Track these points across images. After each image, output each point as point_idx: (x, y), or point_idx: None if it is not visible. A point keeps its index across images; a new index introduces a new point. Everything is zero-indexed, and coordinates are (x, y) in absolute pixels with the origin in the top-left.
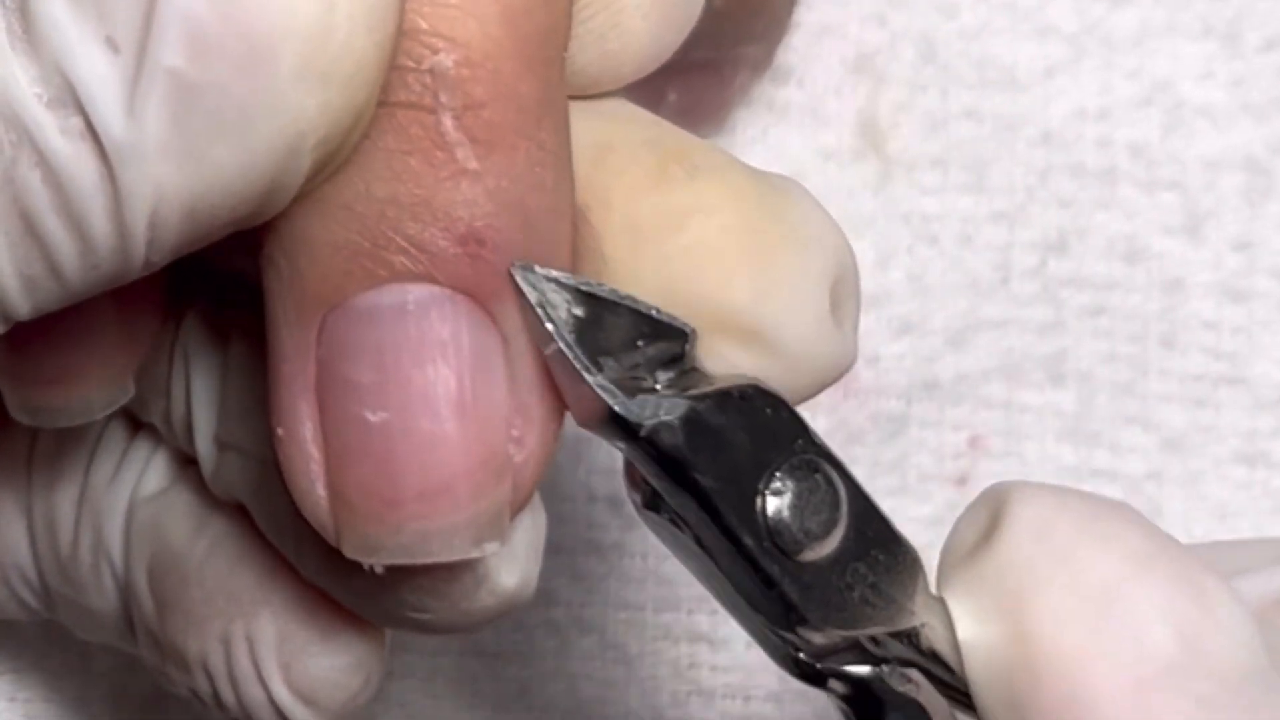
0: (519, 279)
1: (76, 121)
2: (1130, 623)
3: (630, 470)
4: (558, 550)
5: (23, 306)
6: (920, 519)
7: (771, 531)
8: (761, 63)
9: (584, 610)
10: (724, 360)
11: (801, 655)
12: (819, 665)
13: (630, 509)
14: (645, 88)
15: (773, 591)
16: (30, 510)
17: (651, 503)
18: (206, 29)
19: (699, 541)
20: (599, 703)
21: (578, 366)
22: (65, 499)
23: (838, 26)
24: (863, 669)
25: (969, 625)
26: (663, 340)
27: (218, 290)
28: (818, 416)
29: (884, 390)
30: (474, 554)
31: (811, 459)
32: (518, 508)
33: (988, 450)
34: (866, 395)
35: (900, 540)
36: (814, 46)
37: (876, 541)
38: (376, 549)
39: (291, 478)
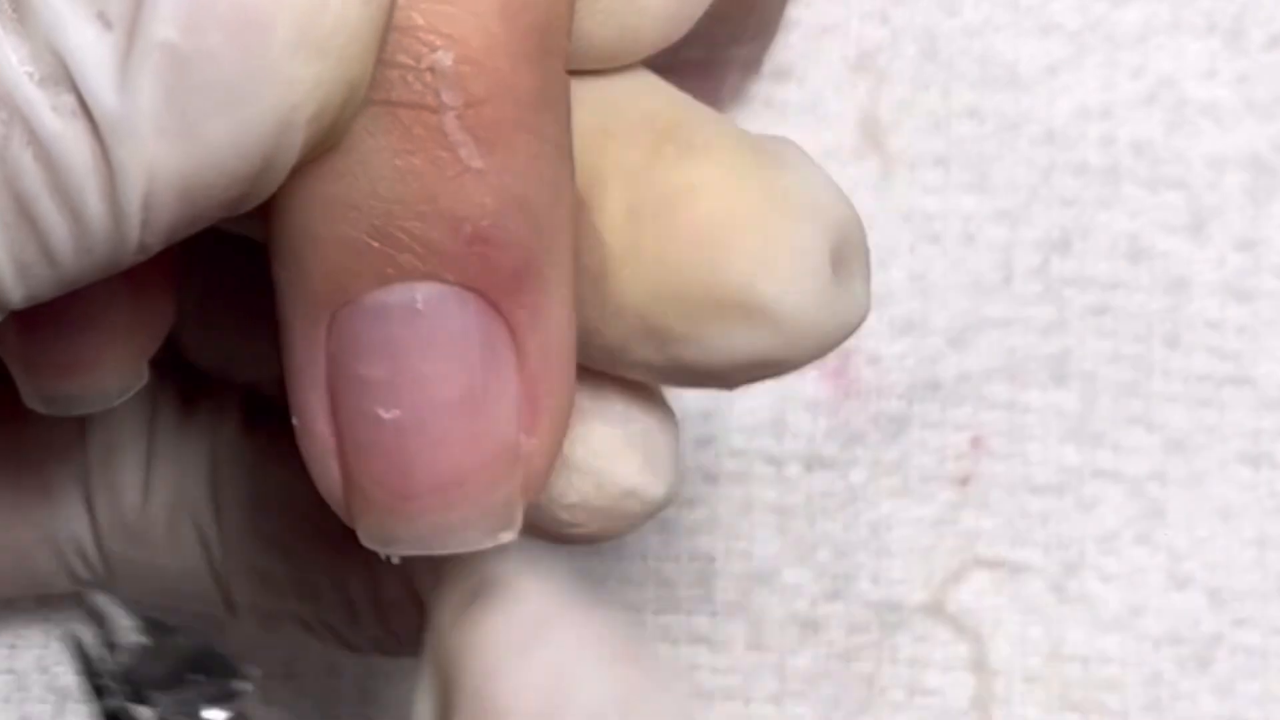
0: (90, 603)
1: (69, 99)
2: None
3: None
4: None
5: (15, 293)
6: (922, 520)
7: None
8: (753, 63)
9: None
10: (730, 340)
11: None
12: None
13: None
14: None
15: None
16: (88, 477)
17: None
18: (200, 1)
19: None
20: None
21: None
22: (129, 460)
23: (838, 24)
24: None
25: None
26: (218, 676)
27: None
28: (818, 417)
29: (885, 390)
30: (487, 544)
31: None
32: (530, 498)
33: (990, 451)
34: (868, 395)
35: None
36: (814, 44)
37: None
38: (392, 540)
39: (310, 465)
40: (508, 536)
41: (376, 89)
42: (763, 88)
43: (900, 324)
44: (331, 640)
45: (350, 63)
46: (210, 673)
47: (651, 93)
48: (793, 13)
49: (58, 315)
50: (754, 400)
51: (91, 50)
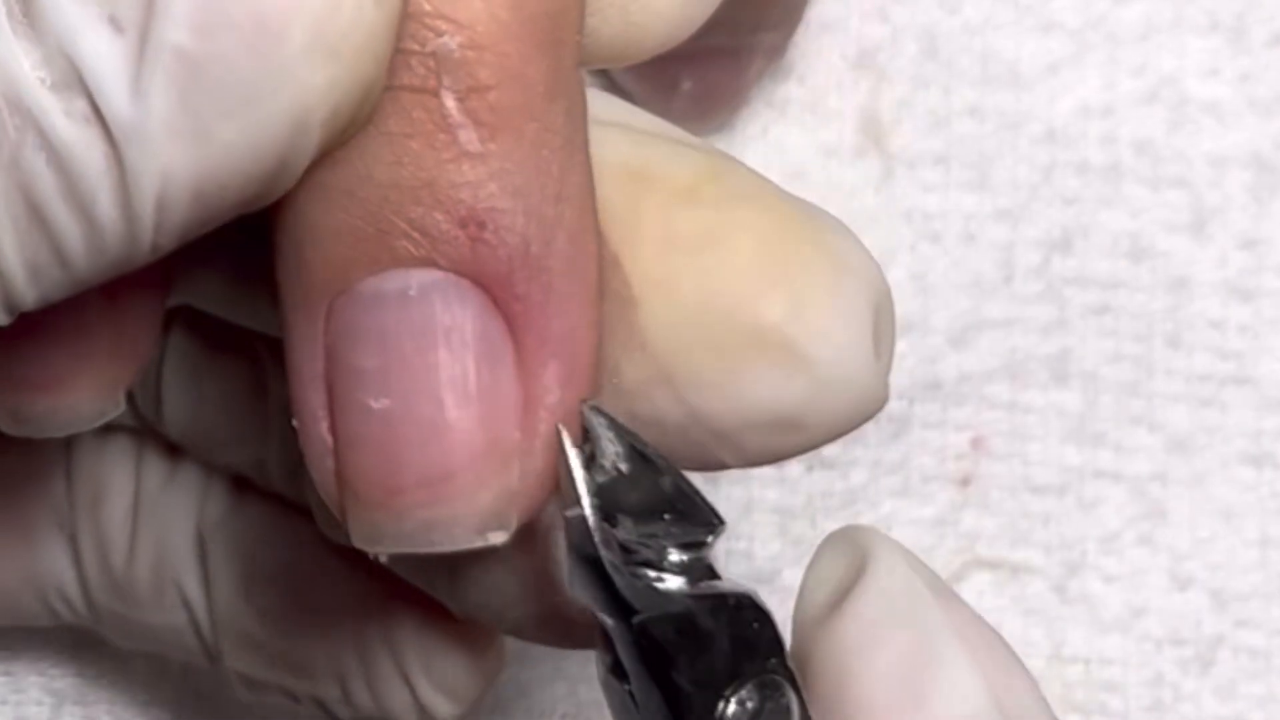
0: (584, 417)
1: (81, 104)
2: (943, 693)
3: (605, 638)
4: None
5: (29, 295)
6: (923, 521)
7: None
8: (776, 51)
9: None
10: (757, 387)
11: None
12: None
13: None
14: (660, 75)
15: None
16: (75, 527)
17: (616, 671)
18: (213, 5)
19: None
20: (599, 705)
21: (595, 540)
22: (114, 515)
23: (839, 22)
24: None
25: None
26: (690, 522)
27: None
28: None
29: None
30: (478, 544)
31: (778, 680)
32: (527, 498)
33: (991, 451)
34: None
35: None
36: (815, 42)
37: None
38: (380, 537)
39: (309, 467)
40: (499, 538)
41: None
42: (763, 86)
43: (900, 324)
44: (320, 715)
45: (364, 64)
46: (684, 517)
47: (687, 140)
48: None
49: (38, 330)
50: None
51: (104, 55)
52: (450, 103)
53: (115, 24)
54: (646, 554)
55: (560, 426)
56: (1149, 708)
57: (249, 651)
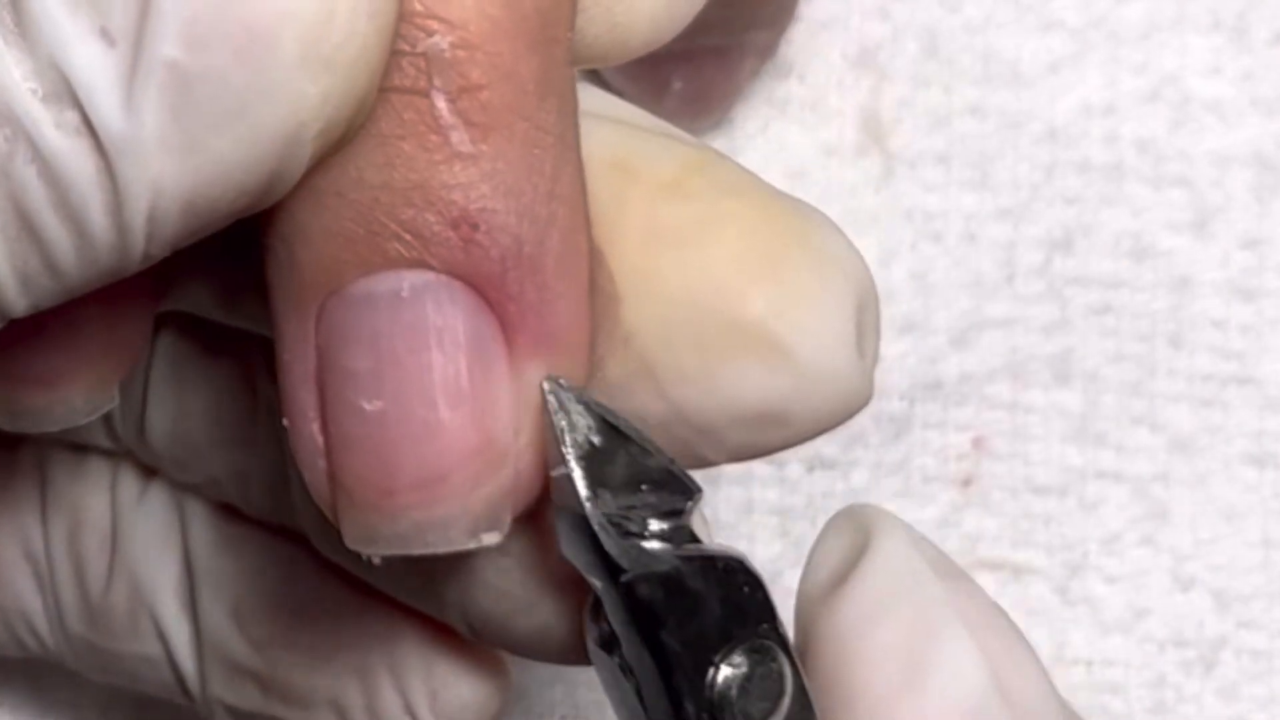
0: (549, 394)
1: (72, 116)
2: (944, 672)
3: (596, 607)
4: None
5: (19, 303)
6: (924, 521)
7: (714, 705)
8: (768, 50)
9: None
10: (741, 382)
11: None
12: None
13: None
14: (651, 75)
15: None
16: (48, 556)
17: (607, 644)
18: (205, 18)
19: (639, 695)
20: (598, 707)
21: (580, 495)
22: (92, 542)
23: (839, 20)
24: None
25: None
26: (667, 491)
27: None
28: None
29: (886, 391)
30: (471, 544)
31: (770, 645)
32: (521, 498)
33: (992, 451)
34: None
35: None
36: (815, 40)
37: None
38: (374, 539)
39: (301, 469)
40: (492, 538)
41: None
42: (764, 84)
43: (901, 323)
44: None
45: (358, 76)
46: (661, 487)
47: (674, 133)
48: (797, 4)
49: (33, 327)
50: None
51: (95, 67)
52: (441, 103)
53: (107, 36)
54: (629, 526)
55: (543, 385)
56: (1151, 709)
57: (240, 682)
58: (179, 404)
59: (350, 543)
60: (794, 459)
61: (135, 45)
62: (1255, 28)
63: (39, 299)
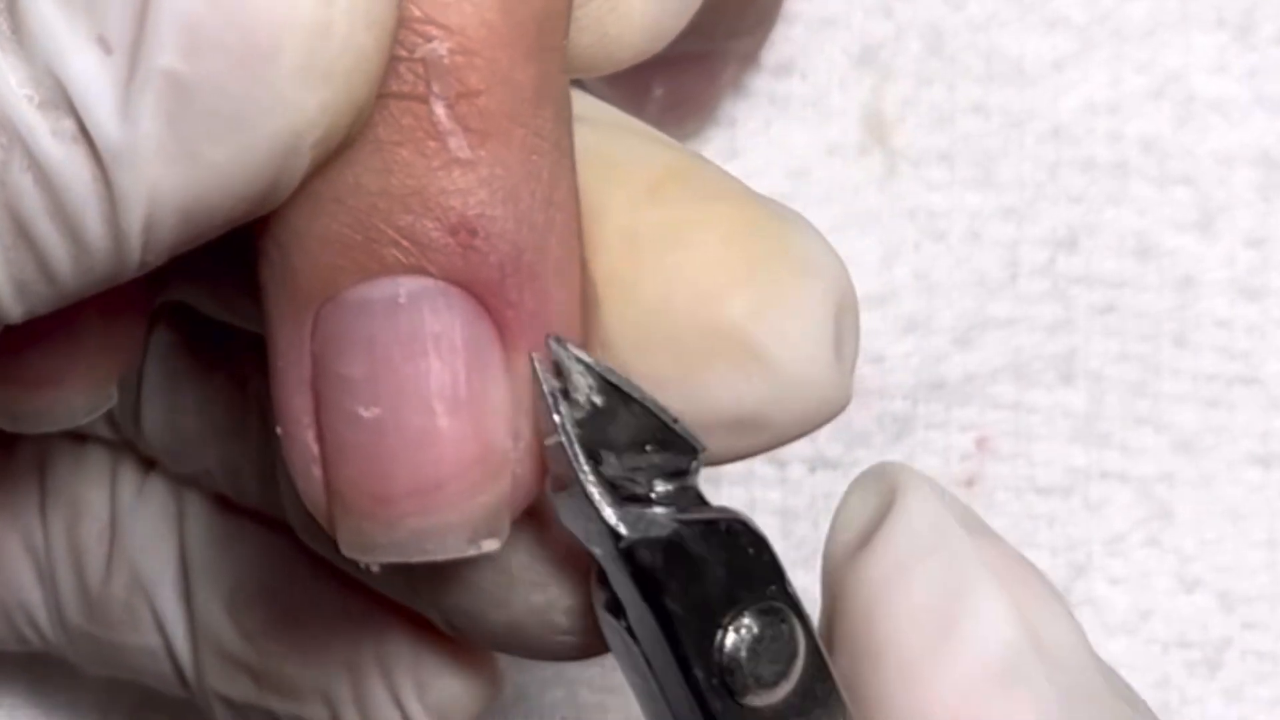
0: (553, 351)
1: (69, 124)
2: (976, 625)
3: (599, 574)
4: None
5: (15, 310)
6: None
7: (724, 669)
8: (750, 56)
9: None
10: (719, 388)
11: None
12: None
13: None
14: (631, 81)
15: None
16: (48, 548)
17: (613, 609)
18: (203, 27)
19: (648, 660)
20: (599, 708)
21: (574, 464)
22: (91, 533)
23: (841, 17)
24: None
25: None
26: (671, 451)
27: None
28: None
29: (889, 390)
30: (470, 552)
31: (780, 607)
32: (518, 506)
33: (995, 452)
34: (871, 396)
35: (846, 710)
36: (817, 38)
37: (821, 702)
38: (371, 547)
39: (293, 476)
40: (491, 546)
41: None
42: (765, 82)
43: (904, 323)
44: None
45: (356, 86)
46: (665, 447)
47: (656, 137)
48: (795, 6)
49: (30, 330)
50: None
51: (92, 75)
52: (439, 109)
53: (104, 44)
54: (634, 488)
55: (532, 355)
56: (1156, 711)
57: (233, 674)
58: (172, 397)
59: (347, 551)
60: (796, 459)
61: (132, 53)
62: (1261, 25)
63: (35, 305)
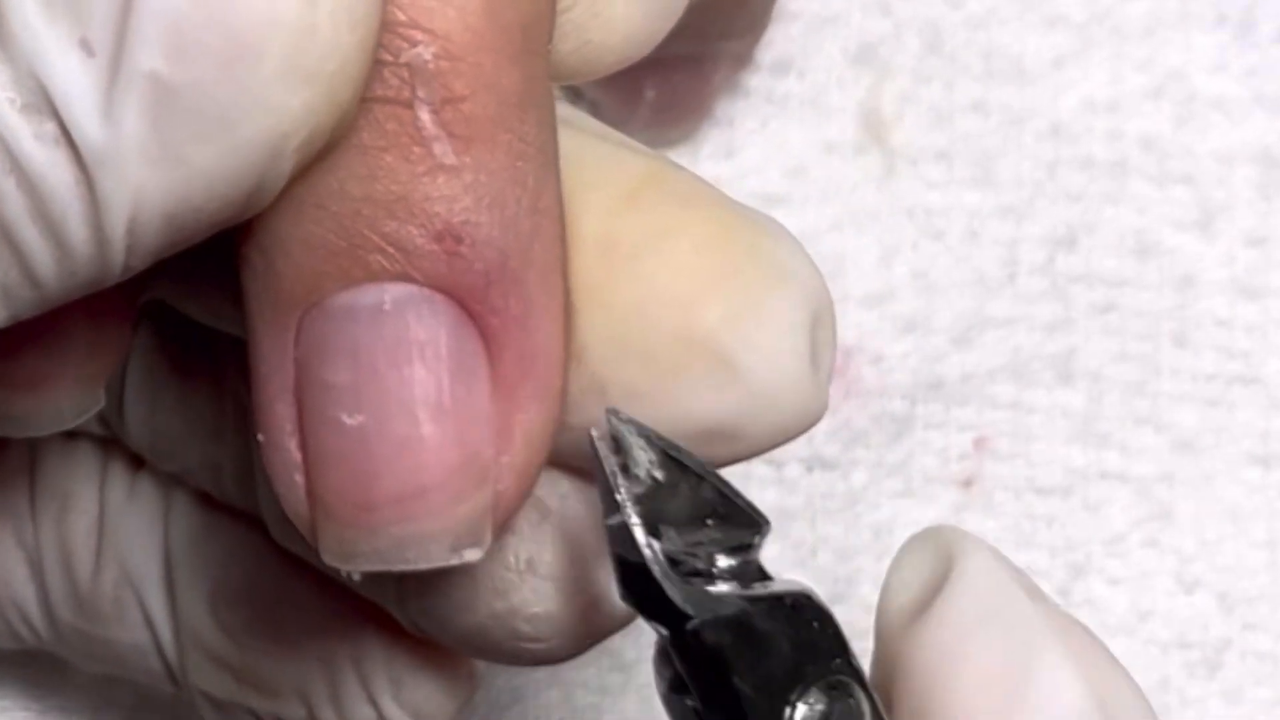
0: (611, 426)
1: (51, 127)
2: (1044, 693)
3: (663, 652)
4: None
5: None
6: (925, 523)
7: None
8: (742, 58)
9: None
10: (691, 399)
11: None
12: None
13: None
14: (623, 83)
15: None
16: (37, 543)
17: (677, 687)
18: (186, 29)
19: None
20: (594, 710)
21: (640, 545)
22: (79, 527)
23: (839, 15)
24: None
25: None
26: (733, 525)
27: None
28: None
29: (888, 390)
30: (453, 561)
31: (846, 681)
32: (501, 515)
33: (994, 452)
34: (869, 395)
35: None
36: (814, 36)
37: None
38: (353, 555)
39: (275, 484)
40: (473, 555)
41: None
42: (763, 81)
43: (903, 322)
44: None
45: (340, 88)
46: (727, 521)
47: (631, 144)
48: (793, 4)
49: (15, 334)
50: None
51: (74, 78)
52: (424, 114)
53: (86, 46)
54: (695, 563)
55: (592, 431)
56: (1155, 712)
57: (215, 671)
58: (153, 395)
59: (328, 558)
60: (793, 459)
61: (115, 56)
62: (1261, 24)
63: (19, 310)
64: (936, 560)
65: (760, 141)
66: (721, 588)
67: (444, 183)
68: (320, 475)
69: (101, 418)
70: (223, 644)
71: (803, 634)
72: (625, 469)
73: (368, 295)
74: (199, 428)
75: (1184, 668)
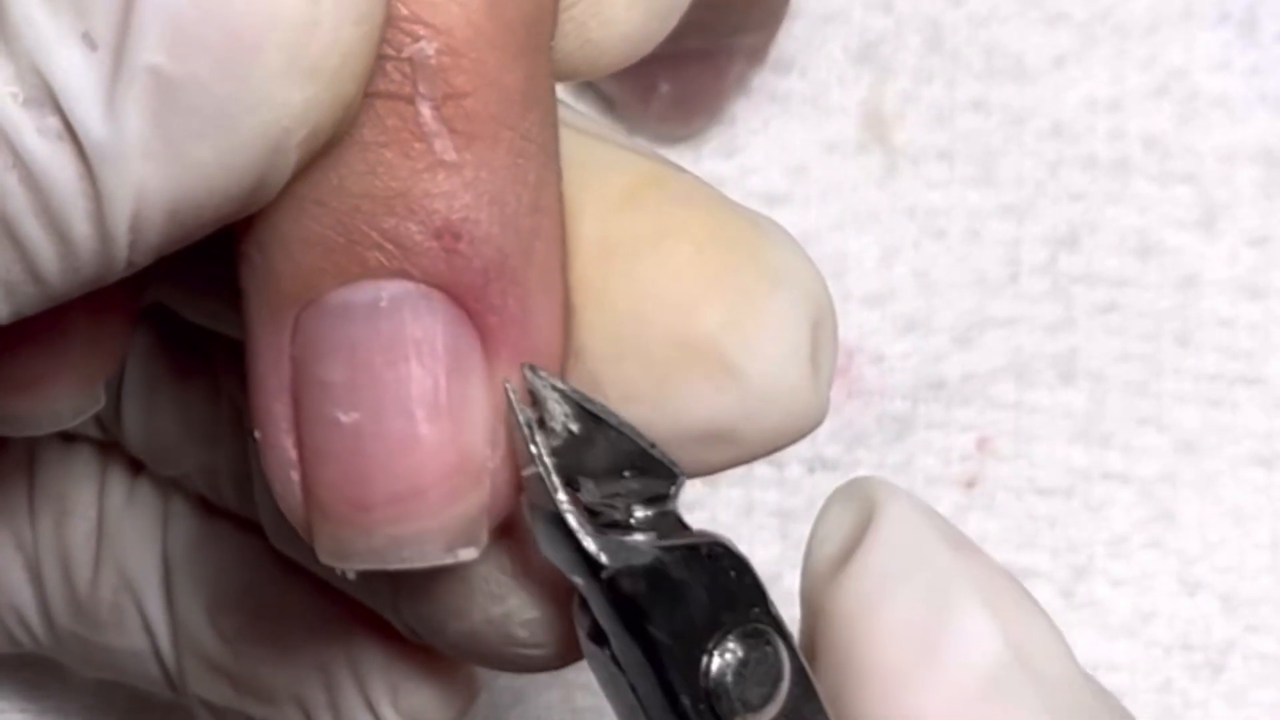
0: (527, 379)
1: (53, 121)
2: (961, 643)
3: (582, 602)
4: None
5: (2, 311)
6: None
7: (710, 694)
8: (758, 52)
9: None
10: (689, 401)
11: None
12: None
13: None
14: (637, 78)
15: None
16: (36, 548)
17: (596, 637)
18: (188, 24)
19: (633, 688)
20: (595, 711)
21: (553, 495)
22: (78, 533)
23: (841, 14)
24: None
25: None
26: (650, 476)
27: None
28: None
29: (889, 390)
30: (448, 560)
31: (764, 629)
32: (496, 514)
33: (996, 452)
34: (871, 396)
35: None
36: (816, 34)
37: None
38: (348, 553)
39: (271, 482)
40: (468, 554)
41: None
42: (764, 79)
43: (904, 322)
44: None
45: (343, 83)
46: (645, 472)
47: (632, 145)
48: (794, 2)
49: (14, 333)
50: None
51: (77, 73)
52: (425, 110)
53: (89, 41)
54: (613, 515)
55: (506, 385)
56: (1158, 715)
57: (213, 677)
58: (150, 399)
59: (324, 557)
60: (795, 460)
61: (117, 51)
62: (1264, 22)
63: (22, 306)
64: (859, 512)
65: (762, 140)
66: (638, 538)
67: (444, 179)
68: (316, 473)
69: (100, 422)
70: (221, 650)
71: (720, 582)
72: (541, 422)
73: (364, 292)
74: (196, 432)
75: (1187, 670)
